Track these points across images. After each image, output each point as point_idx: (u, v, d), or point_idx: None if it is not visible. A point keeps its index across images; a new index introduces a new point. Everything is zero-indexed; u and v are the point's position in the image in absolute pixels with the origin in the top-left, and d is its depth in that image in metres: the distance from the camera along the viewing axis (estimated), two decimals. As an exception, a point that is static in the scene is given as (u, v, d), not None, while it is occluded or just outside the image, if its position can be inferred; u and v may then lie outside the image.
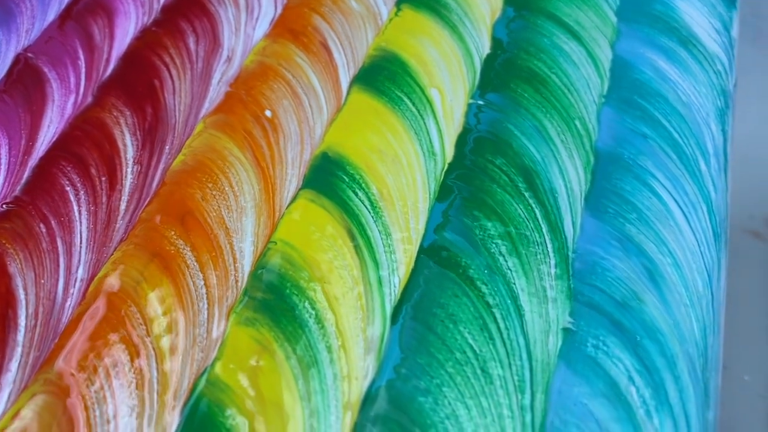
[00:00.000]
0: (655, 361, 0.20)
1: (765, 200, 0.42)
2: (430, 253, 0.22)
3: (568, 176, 0.24)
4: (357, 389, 0.20)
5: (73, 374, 0.20)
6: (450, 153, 0.25)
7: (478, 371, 0.20)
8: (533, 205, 0.23)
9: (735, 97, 0.27)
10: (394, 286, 0.22)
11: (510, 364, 0.20)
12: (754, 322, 0.37)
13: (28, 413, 0.19)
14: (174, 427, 0.19)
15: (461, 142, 0.25)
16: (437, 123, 0.25)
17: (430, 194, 0.23)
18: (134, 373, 0.20)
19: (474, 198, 0.23)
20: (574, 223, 0.23)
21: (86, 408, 0.19)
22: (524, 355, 0.20)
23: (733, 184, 0.43)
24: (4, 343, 0.21)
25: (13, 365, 0.20)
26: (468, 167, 0.24)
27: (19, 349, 0.21)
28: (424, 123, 0.25)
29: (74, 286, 0.22)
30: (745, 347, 0.36)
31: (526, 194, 0.23)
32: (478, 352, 0.20)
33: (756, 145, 0.44)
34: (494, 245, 0.22)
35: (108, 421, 0.19)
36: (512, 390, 0.19)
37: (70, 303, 0.22)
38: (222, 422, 0.19)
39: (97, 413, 0.19)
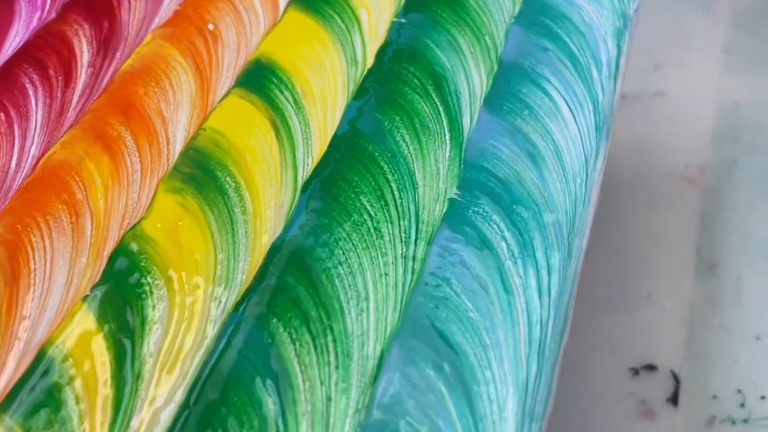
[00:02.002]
0: (526, 224, 0.23)
1: (699, 152, 0.44)
2: (342, 139, 0.25)
3: (473, 81, 0.26)
4: (265, 243, 0.22)
5: (18, 227, 0.23)
6: (370, 61, 0.27)
7: (372, 230, 0.22)
8: (438, 104, 0.26)
9: (635, 21, 0.29)
10: (308, 165, 0.24)
11: (400, 224, 0.23)
12: (681, 257, 0.40)
13: (-24, 256, 0.22)
14: (101, 271, 0.22)
15: (381, 52, 0.28)
16: (362, 37, 0.28)
17: (348, 94, 0.26)
18: (72, 227, 0.23)
19: (387, 98, 0.26)
20: (471, 119, 0.25)
21: (28, 253, 0.22)
22: (413, 218, 0.23)
23: (671, 137, 0.46)
24: (-40, 204, 0.24)
25: (-33, 221, 0.23)
26: (385, 72, 0.27)
27: (-27, 209, 0.23)
28: (351, 37, 0.28)
29: (26, 162, 0.25)
30: (669, 278, 0.39)
31: (434, 95, 0.26)
32: (373, 215, 0.23)
33: (693, 104, 0.47)
34: (399, 134, 0.25)
35: (45, 265, 0.22)
36: (399, 244, 0.22)
37: (21, 174, 0.24)
38: (140, 266, 0.22)
39: (37, 258, 0.22)
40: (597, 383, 0.35)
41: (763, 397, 0.35)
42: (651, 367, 0.36)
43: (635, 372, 0.36)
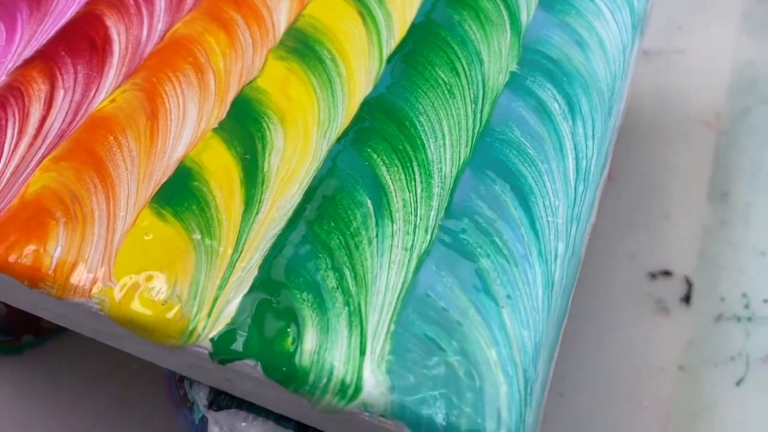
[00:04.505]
0: (575, 90, 0.27)
1: (715, 101, 0.49)
2: (418, 27, 0.30)
3: (529, -12, 0.31)
4: (358, 99, 0.27)
5: (153, 79, 0.28)
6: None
7: (446, 92, 0.27)
8: (500, 3, 0.30)
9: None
10: (390, 46, 0.29)
11: (469, 89, 0.27)
12: (695, 186, 0.44)
13: (120, 97, 0.27)
14: (225, 111, 0.27)
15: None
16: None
17: (423, -5, 0.31)
18: (198, 81, 0.28)
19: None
20: (528, 15, 0.30)
21: (163, 97, 0.27)
22: (480, 84, 0.27)
23: (690, 88, 0.51)
24: (103, 62, 0.28)
25: (110, 74, 0.28)
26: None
27: (114, 66, 0.28)
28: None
29: (154, 34, 0.30)
30: (685, 203, 0.43)
31: (496, -4, 0.31)
32: (446, 81, 0.28)
33: (711, 61, 0.51)
34: (467, 24, 0.30)
35: (178, 107, 0.27)
36: (469, 102, 0.27)
37: (151, 43, 0.29)
38: (258, 108, 0.27)
39: (171, 102, 0.27)
40: (618, 285, 0.40)
41: (765, 300, 0.39)
42: (667, 273, 0.40)
43: (652, 276, 0.40)
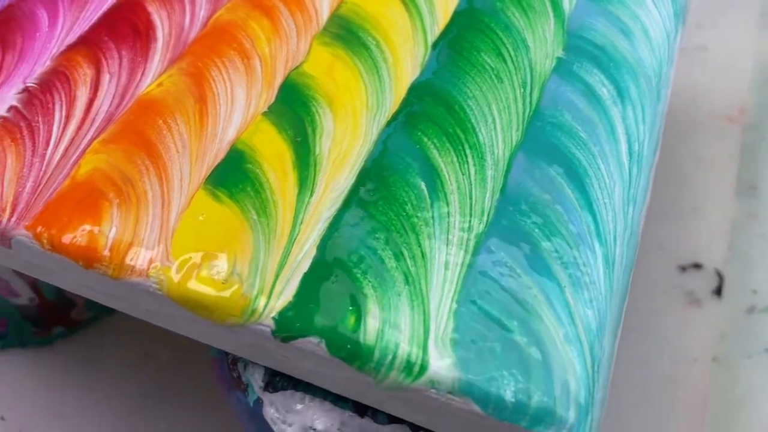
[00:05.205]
0: (622, 76, 0.27)
1: (738, 96, 0.49)
2: (461, 14, 0.30)
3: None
4: (405, 84, 0.27)
5: (199, 64, 0.28)
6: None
7: (493, 77, 0.27)
8: (541, -9, 0.31)
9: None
10: (435, 33, 0.29)
11: (516, 74, 0.27)
12: (723, 180, 0.44)
13: (167, 81, 0.27)
14: (272, 99, 0.27)
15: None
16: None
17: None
18: (244, 66, 0.28)
19: (497, -15, 0.31)
20: (570, 2, 0.30)
21: (210, 82, 0.27)
22: (527, 69, 0.27)
23: (712, 84, 0.51)
24: (147, 47, 0.28)
25: (155, 59, 0.28)
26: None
27: (158, 52, 0.28)
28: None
29: (197, 21, 0.30)
30: (713, 196, 0.43)
31: (537, -15, 0.31)
32: (493, 67, 0.28)
33: (732, 57, 0.51)
34: (510, 11, 0.30)
35: (226, 91, 0.27)
36: (517, 87, 0.27)
37: (194, 30, 0.29)
38: (306, 93, 0.27)
39: (219, 86, 0.27)
40: (649, 277, 0.40)
41: (797, 293, 0.39)
42: (697, 266, 0.40)
43: (683, 269, 0.40)
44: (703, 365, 0.37)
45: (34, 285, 0.36)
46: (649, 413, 0.35)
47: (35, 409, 0.36)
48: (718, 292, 0.39)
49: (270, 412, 0.22)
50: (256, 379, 0.23)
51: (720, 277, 0.40)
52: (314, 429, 0.22)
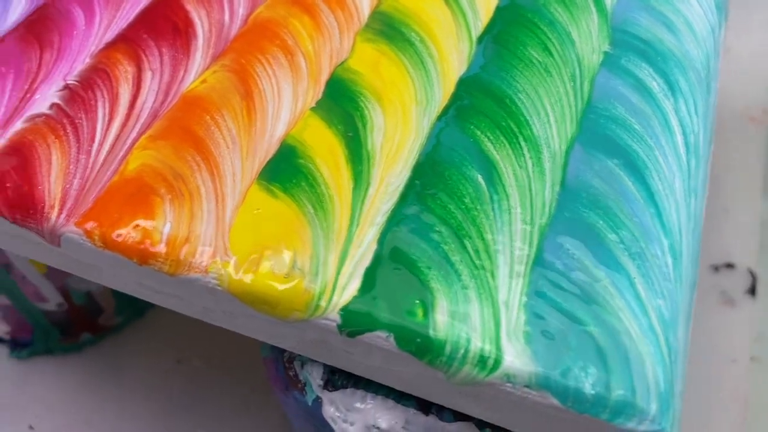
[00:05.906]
0: (671, 70, 0.27)
1: (760, 97, 0.49)
2: (504, 9, 0.29)
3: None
4: (452, 79, 0.27)
5: (242, 61, 0.27)
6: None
7: (542, 71, 0.27)
8: (583, -11, 0.30)
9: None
10: (478, 29, 0.29)
11: (565, 68, 0.27)
12: (750, 180, 0.44)
13: (211, 78, 0.27)
14: (319, 95, 0.26)
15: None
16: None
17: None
18: (288, 63, 0.27)
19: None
20: (612, 2, 0.30)
21: (255, 78, 0.27)
22: (575, 63, 0.27)
23: (735, 84, 0.51)
24: (188, 44, 0.28)
25: (197, 56, 0.28)
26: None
27: (200, 49, 0.28)
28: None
29: (237, 18, 0.29)
30: (742, 197, 0.43)
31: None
32: (541, 61, 0.27)
33: (755, 59, 0.51)
34: (552, 7, 0.29)
35: (272, 87, 0.26)
36: (567, 80, 0.27)
37: (234, 27, 0.29)
38: (354, 88, 0.26)
39: (264, 83, 0.27)
40: (681, 278, 0.39)
41: (831, 292, 0.39)
42: (730, 266, 0.40)
43: (716, 269, 0.40)
44: (742, 365, 0.37)
45: (64, 290, 0.35)
46: (690, 414, 0.35)
47: (64, 417, 0.35)
48: (752, 291, 0.39)
49: (330, 411, 0.22)
50: (314, 378, 0.22)
51: (753, 276, 0.40)
52: (378, 428, 0.21)
